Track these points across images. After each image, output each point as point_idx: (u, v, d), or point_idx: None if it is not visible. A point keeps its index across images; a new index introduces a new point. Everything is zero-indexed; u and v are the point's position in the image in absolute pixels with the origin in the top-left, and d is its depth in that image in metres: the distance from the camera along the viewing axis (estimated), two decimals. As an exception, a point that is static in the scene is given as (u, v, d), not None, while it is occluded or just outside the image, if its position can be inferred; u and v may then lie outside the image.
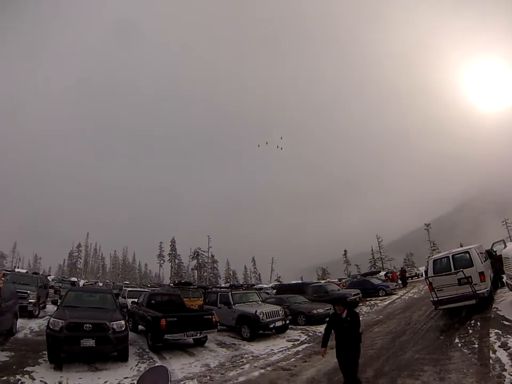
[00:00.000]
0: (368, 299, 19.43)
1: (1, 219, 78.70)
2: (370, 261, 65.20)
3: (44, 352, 7.53)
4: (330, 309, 13.66)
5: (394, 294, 20.90)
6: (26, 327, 10.99)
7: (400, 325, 10.50)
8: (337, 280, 36.56)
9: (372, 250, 66.23)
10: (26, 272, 24.90)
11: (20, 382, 5.89)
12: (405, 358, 6.91)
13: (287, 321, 11.48)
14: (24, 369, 6.51)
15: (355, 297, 17.15)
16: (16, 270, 30.89)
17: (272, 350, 9.04)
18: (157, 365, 7.40)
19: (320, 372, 6.45)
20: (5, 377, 5.97)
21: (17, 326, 10.11)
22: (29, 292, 13.26)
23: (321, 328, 11.68)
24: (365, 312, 15.14)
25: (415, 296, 18.34)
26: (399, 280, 27.14)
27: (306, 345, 9.48)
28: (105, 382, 6.35)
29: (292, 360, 7.78)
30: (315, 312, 13.09)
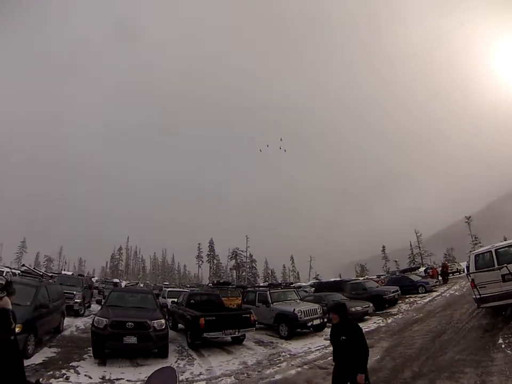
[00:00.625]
0: (407, 296, 18.81)
1: (47, 226, 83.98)
2: (409, 257, 63.21)
3: (88, 348, 8.00)
4: (368, 306, 13.47)
5: (434, 291, 20.05)
6: (73, 325, 11.70)
7: (441, 324, 10.13)
8: (375, 277, 35.68)
9: (411, 245, 64.19)
10: (72, 274, 26.36)
11: (65, 376, 6.27)
12: (445, 358, 6.67)
13: (325, 320, 11.38)
14: (70, 364, 6.95)
15: (394, 294, 16.61)
16: (63, 272, 32.69)
17: (310, 348, 9.05)
18: (193, 362, 7.68)
19: None
20: (52, 372, 6.40)
21: (64, 324, 10.77)
22: (75, 292, 14.12)
23: (359, 327, 11.60)
24: (404, 310, 14.73)
25: (456, 293, 17.53)
26: (439, 276, 26.00)
27: (344, 344, 9.35)
28: (146, 377, 6.54)
29: (329, 358, 7.62)
30: (353, 310, 12.82)
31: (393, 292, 16.77)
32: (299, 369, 7.07)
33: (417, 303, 16.26)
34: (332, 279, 29.18)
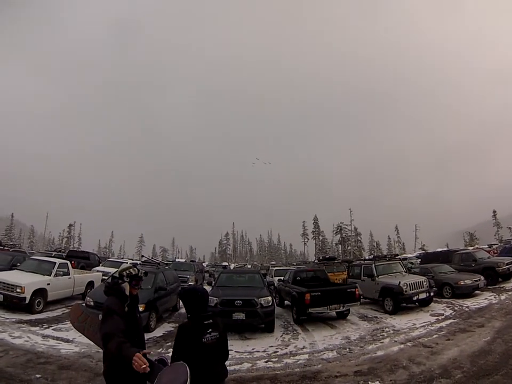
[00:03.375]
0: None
1: (161, 221, 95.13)
2: (528, 222, 52.90)
3: None
4: (479, 280, 12.01)
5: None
6: None
7: None
8: (486, 246, 31.00)
9: (528, 208, 53.78)
10: (185, 261, 29.35)
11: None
12: None
13: (432, 294, 10.59)
14: None
15: (508, 266, 14.03)
16: (177, 260, 36.03)
17: (414, 324, 8.52)
18: (298, 336, 7.97)
19: (464, 353, 5.82)
20: (170, 343, 7.15)
21: (180, 304, 11.86)
22: (188, 276, 16.01)
23: (469, 303, 10.47)
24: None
25: None
26: None
27: (451, 321, 8.57)
28: (253, 349, 7.06)
29: (434, 336, 7.22)
30: (462, 283, 11.64)
31: (507, 264, 14.11)
32: (402, 346, 6.77)
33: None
34: (439, 249, 26.53)
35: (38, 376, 5.00)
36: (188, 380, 2.02)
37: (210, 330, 2.72)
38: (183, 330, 2.74)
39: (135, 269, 3.16)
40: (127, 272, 3.05)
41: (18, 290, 8.94)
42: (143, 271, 3.26)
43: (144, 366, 2.09)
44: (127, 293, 2.96)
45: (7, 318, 8.43)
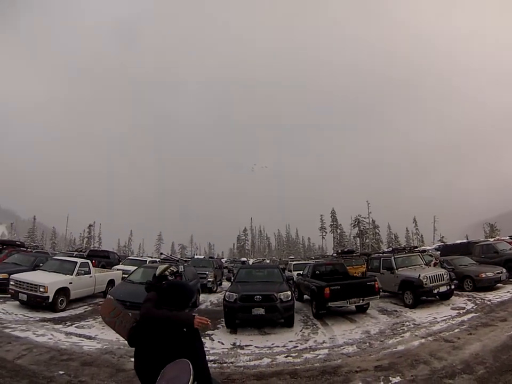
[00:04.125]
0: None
1: (179, 220, 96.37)
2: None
3: (221, 319, 8.79)
4: (501, 272, 11.65)
5: None
6: (207, 300, 13.20)
7: None
8: (508, 237, 29.89)
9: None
10: (204, 257, 29.52)
11: (201, 342, 7.30)
12: None
13: (452, 287, 10.32)
14: (206, 333, 7.66)
15: None
16: (195, 256, 36.23)
17: (435, 318, 8.35)
18: (317, 331, 7.97)
19: (486, 348, 5.68)
20: None
21: (200, 300, 12.28)
22: (207, 272, 16.09)
23: (490, 296, 10.19)
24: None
25: None
26: None
27: (473, 315, 8.38)
28: (272, 344, 7.04)
29: (456, 331, 7.07)
30: (484, 276, 11.32)
31: (530, 256, 13.68)
32: (423, 340, 6.65)
33: None
34: (458, 241, 25.85)
35: (61, 372, 5.10)
36: (191, 377, 2.02)
37: None
38: None
39: (174, 267, 3.50)
40: (169, 270, 3.35)
41: (41, 289, 9.17)
42: (182, 268, 3.65)
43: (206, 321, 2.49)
44: None
45: (31, 317, 8.64)
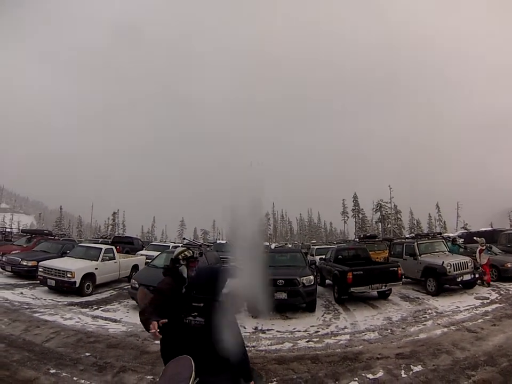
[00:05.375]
0: None
1: (201, 205, 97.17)
2: None
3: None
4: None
5: None
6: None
7: None
8: None
9: None
10: (226, 242, 29.66)
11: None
12: None
13: (476, 275, 10.01)
14: None
15: None
16: (218, 241, 36.72)
17: (458, 307, 8.16)
18: (339, 316, 7.91)
19: (510, 340, 5.56)
20: None
21: None
22: (229, 257, 16.11)
23: (516, 286, 9.88)
24: None
25: None
26: None
27: (497, 305, 8.14)
28: (294, 328, 7.05)
29: (479, 321, 6.93)
30: (510, 265, 10.97)
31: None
32: (445, 329, 6.55)
33: None
34: (483, 229, 24.92)
35: (87, 354, 5.26)
36: (193, 374, 1.98)
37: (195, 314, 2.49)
38: None
39: (189, 251, 3.25)
40: (183, 255, 3.17)
41: (69, 275, 9.56)
42: (198, 252, 3.34)
43: (153, 330, 2.21)
44: (185, 275, 3.05)
45: (59, 301, 9.00)
